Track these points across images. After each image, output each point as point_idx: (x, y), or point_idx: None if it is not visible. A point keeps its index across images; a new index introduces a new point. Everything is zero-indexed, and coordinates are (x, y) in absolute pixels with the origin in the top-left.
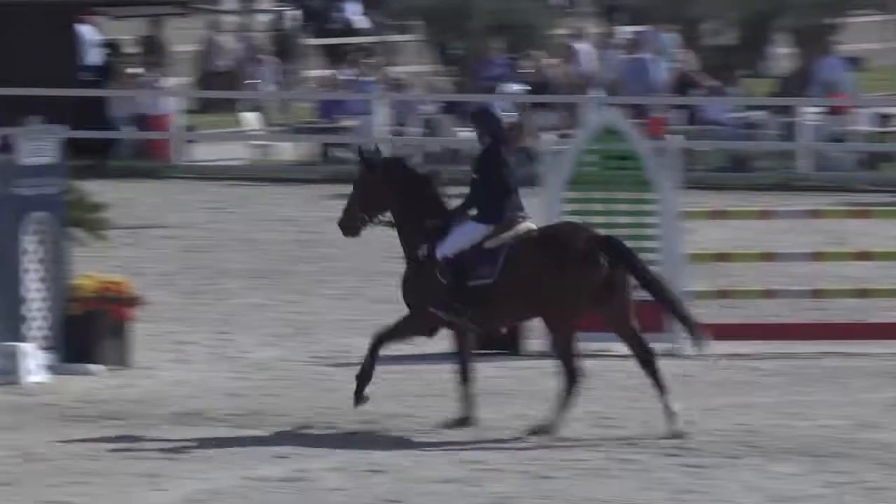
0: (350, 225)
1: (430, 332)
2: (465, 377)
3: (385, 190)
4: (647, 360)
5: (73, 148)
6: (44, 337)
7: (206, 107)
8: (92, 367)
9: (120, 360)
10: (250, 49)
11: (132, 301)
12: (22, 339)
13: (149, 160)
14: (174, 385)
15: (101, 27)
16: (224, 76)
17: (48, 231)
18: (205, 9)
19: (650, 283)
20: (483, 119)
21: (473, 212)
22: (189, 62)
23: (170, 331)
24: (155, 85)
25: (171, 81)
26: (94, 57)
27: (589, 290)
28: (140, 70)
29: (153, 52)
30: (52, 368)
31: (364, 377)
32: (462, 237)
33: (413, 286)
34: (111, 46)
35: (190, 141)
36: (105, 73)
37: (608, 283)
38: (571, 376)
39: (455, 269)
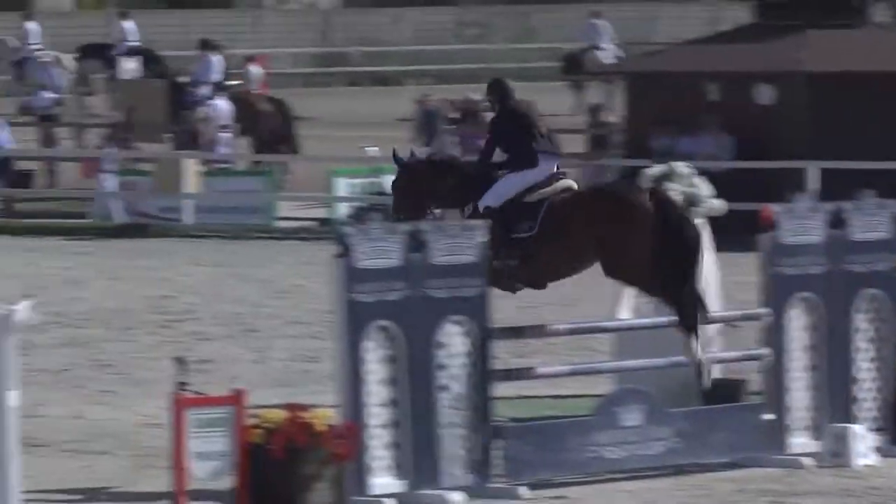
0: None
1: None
2: None
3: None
4: (693, 317)
5: None
6: (873, 418)
7: None
8: None
9: None
10: None
11: None
12: (852, 420)
13: None
14: None
15: None
16: None
17: (880, 309)
18: None
19: (692, 260)
20: (495, 88)
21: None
22: None
23: None
24: None
25: None
26: None
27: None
28: None
29: None
30: (881, 451)
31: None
32: (503, 187)
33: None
34: None
35: None
36: None
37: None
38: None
39: (500, 218)
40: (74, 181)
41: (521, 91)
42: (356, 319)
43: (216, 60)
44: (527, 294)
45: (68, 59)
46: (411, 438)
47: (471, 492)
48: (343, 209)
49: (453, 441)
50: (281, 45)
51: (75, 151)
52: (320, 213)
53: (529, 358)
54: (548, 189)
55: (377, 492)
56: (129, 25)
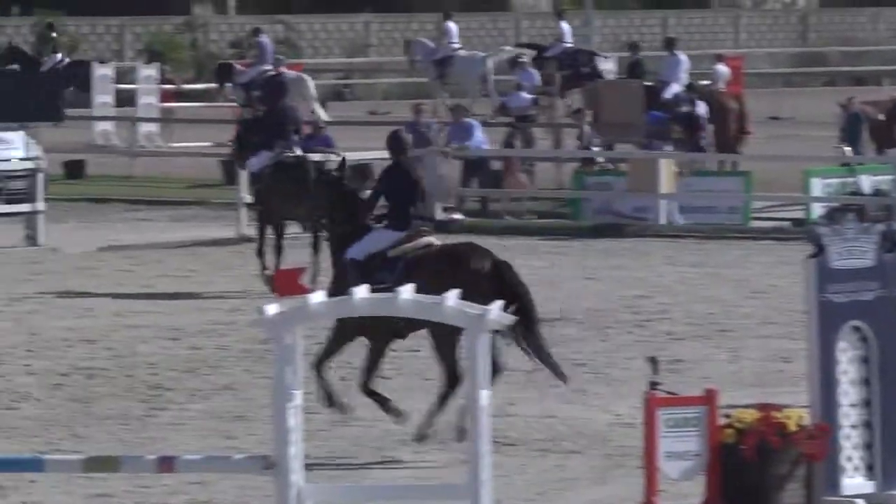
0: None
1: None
2: (365, 382)
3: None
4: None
5: None
6: None
7: None
8: None
9: None
10: None
11: None
12: None
13: None
14: None
15: None
16: None
17: None
18: None
19: (532, 319)
20: (393, 141)
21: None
22: None
23: None
24: None
25: None
26: None
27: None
28: None
29: None
30: None
31: (329, 399)
32: (370, 242)
33: (332, 290)
34: None
35: None
36: None
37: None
38: (452, 381)
39: (360, 271)
40: (549, 181)
41: None
42: (829, 320)
43: (684, 60)
44: None
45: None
46: (882, 439)
47: None
48: (818, 209)
49: None
50: (758, 45)
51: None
52: (795, 213)
53: None
54: (409, 245)
55: (848, 492)
56: (565, 26)
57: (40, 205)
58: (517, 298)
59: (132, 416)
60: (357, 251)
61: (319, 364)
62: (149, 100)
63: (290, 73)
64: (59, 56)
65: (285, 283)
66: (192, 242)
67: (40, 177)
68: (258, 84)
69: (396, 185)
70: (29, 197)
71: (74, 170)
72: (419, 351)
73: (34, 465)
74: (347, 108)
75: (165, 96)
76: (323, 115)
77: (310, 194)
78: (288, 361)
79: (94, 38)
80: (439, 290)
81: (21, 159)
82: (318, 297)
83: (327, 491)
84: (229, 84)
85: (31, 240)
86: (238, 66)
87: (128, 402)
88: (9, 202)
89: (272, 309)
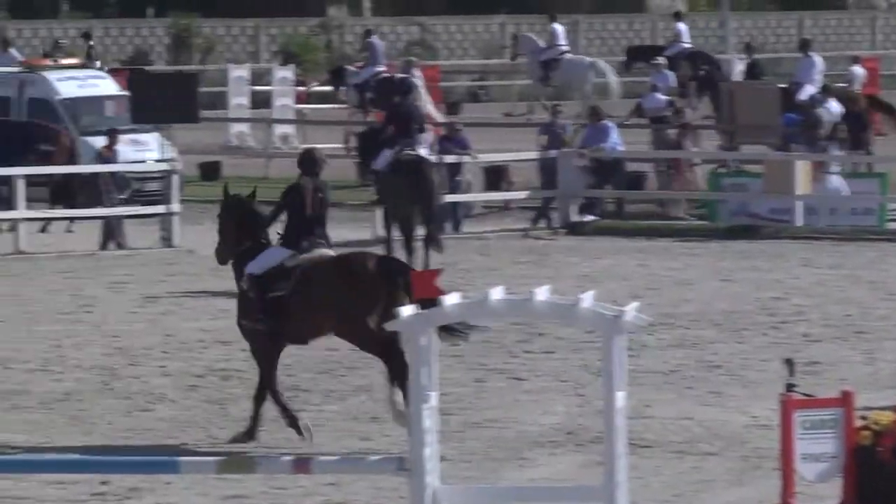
0: (220, 255)
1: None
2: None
3: (226, 222)
4: (402, 372)
5: None
6: None
7: None
8: None
9: None
10: None
11: None
12: None
13: None
14: None
15: None
16: None
17: None
18: None
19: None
20: (305, 160)
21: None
22: None
23: None
24: None
25: None
26: None
27: (377, 306)
28: None
29: None
30: None
31: (289, 419)
32: (266, 258)
33: (239, 306)
34: None
35: None
36: None
37: (389, 300)
38: (399, 370)
39: (259, 283)
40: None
41: None
42: None
43: (818, 61)
44: None
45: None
46: None
47: None
48: None
49: None
50: (894, 47)
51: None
52: None
53: None
54: (305, 256)
55: None
56: (682, 27)
57: (175, 206)
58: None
59: (267, 418)
60: (254, 266)
61: (271, 389)
62: (284, 101)
63: (401, 75)
64: (98, 64)
65: (422, 285)
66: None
67: (175, 178)
68: (371, 86)
69: (295, 204)
70: (164, 198)
71: (210, 171)
72: (553, 352)
73: (170, 466)
74: (482, 109)
75: (301, 98)
76: (438, 116)
77: (420, 193)
78: (423, 363)
79: (229, 39)
80: (331, 294)
81: (156, 161)
82: (453, 299)
83: (462, 492)
84: (343, 87)
85: (166, 241)
86: (351, 69)
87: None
88: (144, 204)
89: (407, 310)
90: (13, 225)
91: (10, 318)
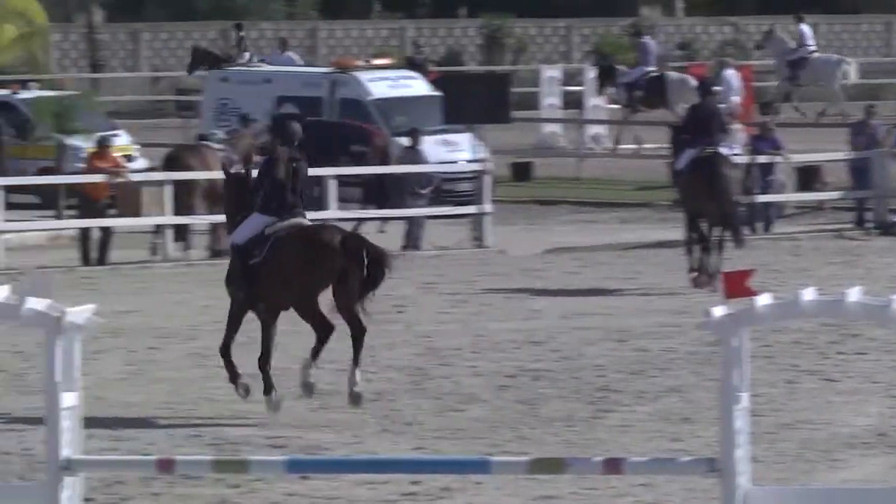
0: (228, 229)
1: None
2: (265, 359)
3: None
4: (358, 336)
5: None
6: None
7: None
8: None
9: None
10: None
11: None
12: None
13: None
14: None
15: None
16: None
17: None
18: None
19: (369, 285)
20: (279, 128)
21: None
22: None
23: None
24: None
25: None
26: None
27: (323, 276)
28: None
29: None
30: None
31: (231, 375)
32: (248, 227)
33: (228, 270)
34: None
35: None
36: None
37: (343, 273)
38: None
39: (240, 251)
40: None
41: None
42: None
43: None
44: None
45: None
46: None
47: None
48: None
49: None
50: None
51: None
52: None
53: None
54: (282, 224)
55: None
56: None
57: (487, 206)
58: (365, 266)
59: (578, 418)
60: (237, 236)
61: (224, 346)
62: (596, 101)
63: (673, 75)
64: (248, 55)
65: (734, 285)
66: (638, 244)
67: (487, 179)
68: (640, 85)
69: (271, 174)
70: (476, 199)
71: (521, 171)
72: (866, 354)
73: (480, 466)
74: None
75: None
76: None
77: (717, 191)
78: (735, 363)
79: (541, 40)
80: (296, 263)
81: (468, 161)
82: (765, 299)
83: (773, 494)
84: (612, 87)
85: (478, 241)
86: (621, 68)
87: (574, 403)
88: (456, 204)
89: (719, 311)
90: None
91: None
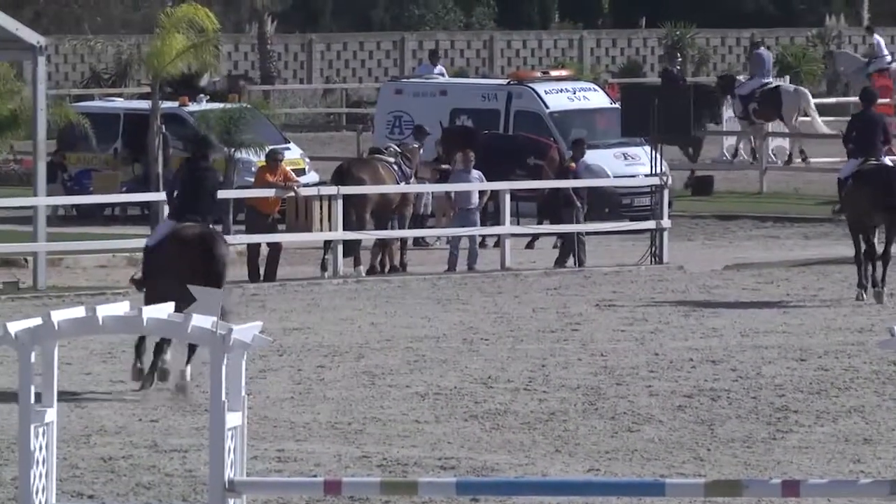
0: None
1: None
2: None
3: None
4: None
5: None
6: None
7: None
8: None
9: None
10: None
11: None
12: None
13: None
14: None
15: None
16: None
17: None
18: None
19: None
20: (201, 144)
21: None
22: None
23: None
24: None
25: None
26: None
27: (180, 271)
28: None
29: None
30: None
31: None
32: (161, 229)
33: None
34: None
35: None
36: None
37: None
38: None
39: (147, 252)
40: None
41: None
42: None
43: None
44: None
45: None
46: None
47: None
48: None
49: None
50: None
51: None
52: None
53: None
54: (177, 227)
55: None
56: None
57: (665, 221)
58: (209, 265)
59: (757, 439)
60: (151, 238)
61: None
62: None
63: (789, 87)
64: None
65: None
66: (820, 260)
67: (665, 193)
68: (755, 97)
69: (183, 181)
70: (654, 213)
71: (701, 186)
72: None
73: (655, 488)
74: None
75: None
76: (823, 128)
77: (880, 202)
78: None
79: (723, 50)
80: (171, 262)
81: (647, 175)
82: None
83: None
84: (729, 97)
85: (656, 257)
86: (739, 79)
87: (752, 424)
88: (634, 219)
89: None
90: (499, 240)
91: (495, 335)
